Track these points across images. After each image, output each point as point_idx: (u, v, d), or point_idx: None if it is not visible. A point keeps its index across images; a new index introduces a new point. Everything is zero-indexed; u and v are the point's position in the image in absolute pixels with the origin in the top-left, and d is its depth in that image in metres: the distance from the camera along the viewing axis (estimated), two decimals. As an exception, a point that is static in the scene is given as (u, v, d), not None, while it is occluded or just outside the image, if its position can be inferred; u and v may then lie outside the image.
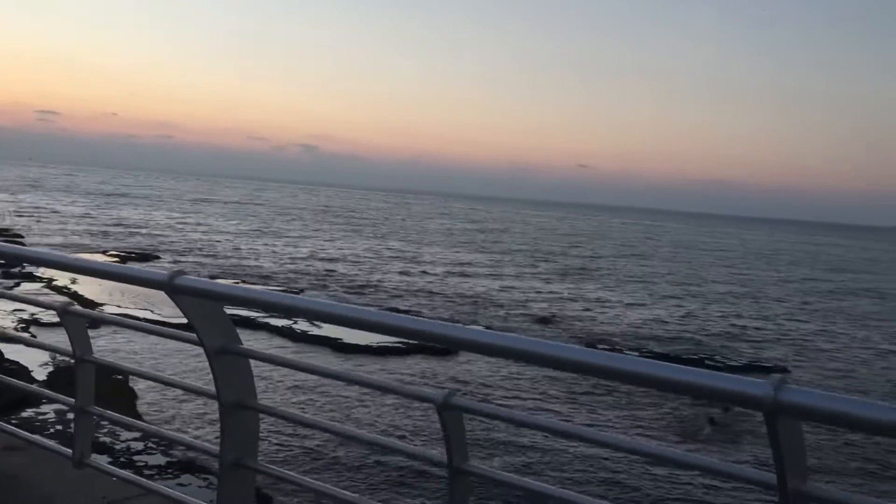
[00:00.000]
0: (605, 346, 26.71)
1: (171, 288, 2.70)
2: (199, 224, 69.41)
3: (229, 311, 3.01)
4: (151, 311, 26.45)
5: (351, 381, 3.03)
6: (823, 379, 24.80)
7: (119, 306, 27.01)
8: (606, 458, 15.21)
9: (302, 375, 18.53)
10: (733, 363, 25.63)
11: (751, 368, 25.19)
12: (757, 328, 34.09)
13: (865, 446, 17.06)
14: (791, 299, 46.34)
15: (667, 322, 33.90)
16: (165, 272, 2.75)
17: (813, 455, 15.72)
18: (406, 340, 22.74)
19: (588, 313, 34.86)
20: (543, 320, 32.20)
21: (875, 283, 63.13)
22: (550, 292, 40.99)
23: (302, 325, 25.28)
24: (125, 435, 13.52)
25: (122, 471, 3.70)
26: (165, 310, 27.00)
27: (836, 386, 23.69)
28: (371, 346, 23.34)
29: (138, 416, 13.61)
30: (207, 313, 2.83)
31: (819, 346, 30.59)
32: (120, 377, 15.58)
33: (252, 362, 2.95)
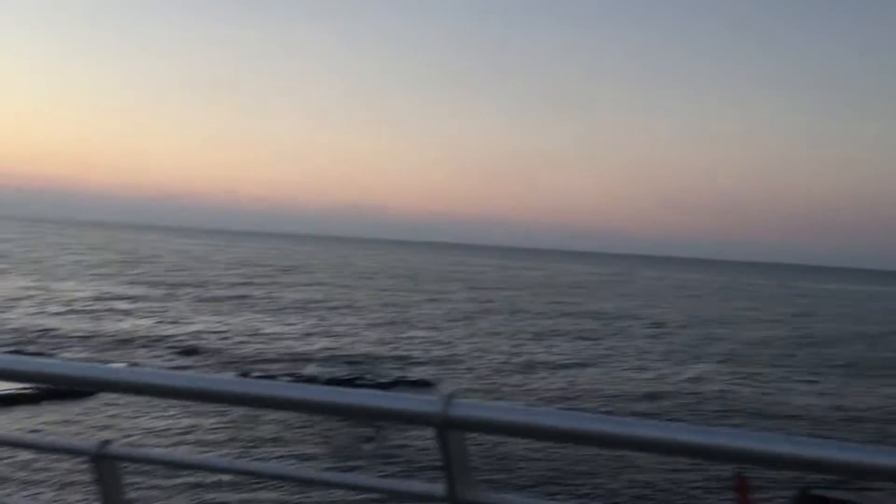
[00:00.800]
0: (260, 373, 26.55)
1: None
2: None
3: None
4: None
5: None
6: (469, 394, 26.95)
7: None
8: (271, 489, 15.01)
9: None
10: (382, 380, 26.89)
11: (398, 384, 26.64)
12: (404, 346, 36.19)
13: (529, 452, 18.64)
14: (436, 318, 49.90)
15: (318, 345, 34.57)
16: None
17: (477, 464, 16.93)
18: (36, 386, 20.39)
19: (239, 341, 34.26)
20: (190, 351, 30.98)
21: (511, 300, 70.24)
22: (202, 322, 39.55)
23: None
24: None
25: None
26: None
27: (482, 398, 25.92)
28: (-8, 397, 20.41)
29: None
30: None
31: (463, 362, 33.20)
32: None
33: None
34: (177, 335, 34.98)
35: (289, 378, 26.04)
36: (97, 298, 47.75)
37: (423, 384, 27.25)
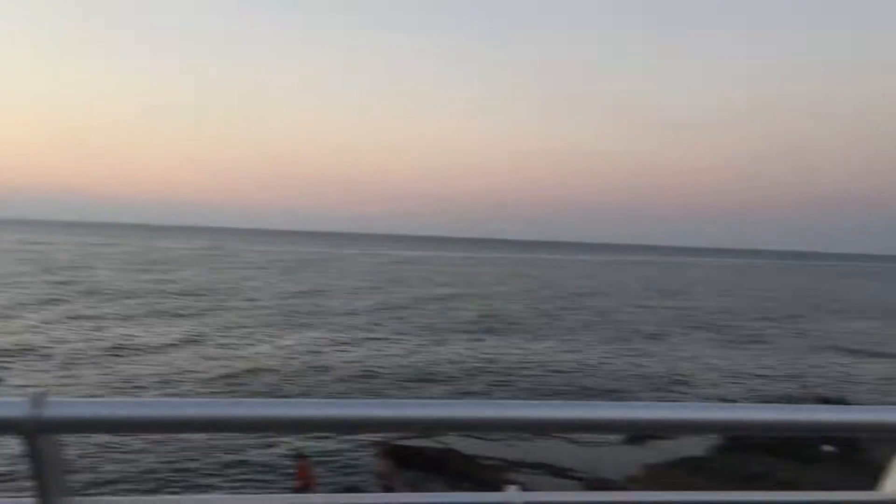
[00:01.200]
0: None
1: None
2: None
3: None
4: None
5: None
6: (43, 387, 23.99)
7: None
8: None
9: None
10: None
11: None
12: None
13: (125, 449, 17.00)
14: (2, 304, 43.63)
15: None
16: None
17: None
18: None
19: None
20: None
21: (94, 279, 64.50)
22: None
23: None
24: None
25: None
26: None
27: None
28: None
29: None
30: None
31: (37, 351, 29.43)
32: None
33: None
34: None
35: None
36: None
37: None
